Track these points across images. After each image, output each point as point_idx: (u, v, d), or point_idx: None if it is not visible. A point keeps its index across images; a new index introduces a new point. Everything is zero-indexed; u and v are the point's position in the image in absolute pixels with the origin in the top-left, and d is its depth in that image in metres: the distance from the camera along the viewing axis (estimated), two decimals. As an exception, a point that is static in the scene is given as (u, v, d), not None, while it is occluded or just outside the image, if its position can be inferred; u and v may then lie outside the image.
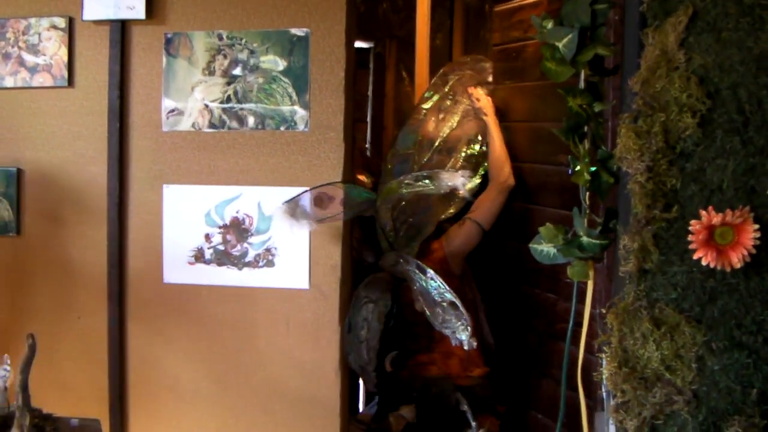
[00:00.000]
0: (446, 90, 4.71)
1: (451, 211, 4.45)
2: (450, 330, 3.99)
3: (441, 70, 4.91)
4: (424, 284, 4.07)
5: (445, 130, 4.63)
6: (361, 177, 4.85)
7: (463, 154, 4.57)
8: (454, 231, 4.53)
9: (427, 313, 4.03)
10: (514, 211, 4.37)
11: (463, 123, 4.63)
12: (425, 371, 4.44)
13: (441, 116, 4.67)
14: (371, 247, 4.46)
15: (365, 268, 4.45)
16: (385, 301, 4.19)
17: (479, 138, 4.57)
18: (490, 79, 4.66)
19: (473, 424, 4.22)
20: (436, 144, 4.60)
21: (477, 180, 4.50)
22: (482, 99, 4.50)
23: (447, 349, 4.35)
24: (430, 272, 4.06)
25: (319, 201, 3.82)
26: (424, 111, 4.68)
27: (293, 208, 3.73)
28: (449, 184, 4.07)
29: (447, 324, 3.99)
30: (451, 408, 4.31)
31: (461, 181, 4.02)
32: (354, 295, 4.09)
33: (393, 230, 4.33)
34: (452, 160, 4.57)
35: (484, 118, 4.47)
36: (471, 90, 4.56)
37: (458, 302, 3.97)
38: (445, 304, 4.00)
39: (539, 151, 4.08)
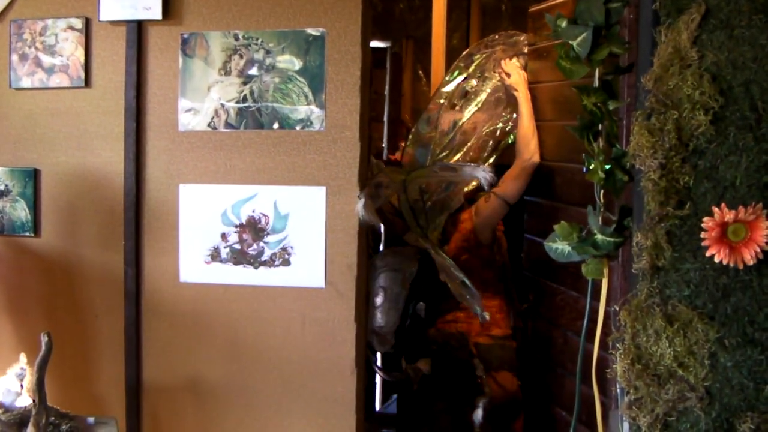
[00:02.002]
0: (471, 70, 4.77)
1: (475, 183, 4.62)
2: (467, 303, 4.16)
3: (466, 51, 4.96)
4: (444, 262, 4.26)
5: (471, 109, 4.71)
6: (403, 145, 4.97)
7: (486, 130, 4.66)
8: (481, 204, 4.69)
9: (449, 283, 4.18)
10: (542, 209, 4.39)
11: (490, 100, 4.70)
12: (449, 328, 4.65)
13: (465, 97, 4.75)
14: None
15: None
16: (410, 269, 4.45)
17: (506, 113, 4.66)
18: (526, 50, 4.69)
19: (486, 390, 4.37)
20: (460, 123, 4.68)
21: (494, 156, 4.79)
22: (514, 73, 4.56)
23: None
24: (442, 254, 4.25)
25: (377, 188, 3.87)
26: (446, 94, 4.75)
27: (372, 194, 3.78)
28: (472, 174, 4.18)
29: (463, 297, 4.16)
30: (463, 362, 4.51)
31: (482, 175, 4.11)
32: (369, 265, 4.18)
33: (422, 205, 4.44)
34: (474, 137, 4.67)
35: (515, 93, 4.52)
36: (504, 63, 4.61)
37: (467, 281, 4.22)
38: (457, 282, 4.14)
39: (567, 150, 4.09)
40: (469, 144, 4.72)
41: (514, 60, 4.65)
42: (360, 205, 3.71)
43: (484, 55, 4.80)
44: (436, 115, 4.76)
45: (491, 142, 4.74)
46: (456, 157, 4.73)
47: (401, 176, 4.35)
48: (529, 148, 4.45)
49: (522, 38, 4.75)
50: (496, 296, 4.71)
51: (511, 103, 4.65)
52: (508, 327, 4.70)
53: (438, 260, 4.29)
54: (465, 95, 4.78)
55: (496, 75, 4.71)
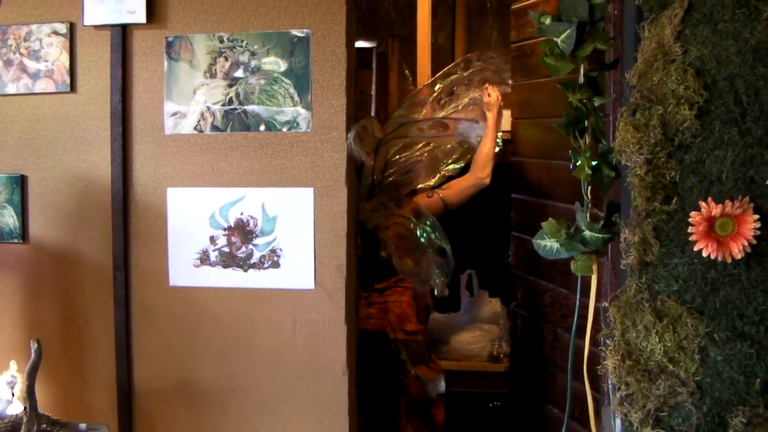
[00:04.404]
0: (465, 74, 4.86)
1: (431, 182, 4.87)
2: (419, 278, 4.25)
3: (468, 55, 5.10)
4: (417, 231, 4.40)
5: (449, 110, 4.82)
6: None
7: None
8: (421, 199, 4.84)
9: (395, 259, 4.26)
10: (530, 206, 4.40)
11: (467, 110, 4.80)
12: (365, 324, 4.78)
13: (450, 96, 4.86)
14: None
15: None
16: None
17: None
18: (509, 81, 4.81)
19: (408, 386, 4.66)
20: (438, 116, 4.79)
21: (461, 164, 4.94)
22: (493, 96, 4.67)
23: (385, 305, 4.65)
24: (430, 218, 4.38)
25: (364, 130, 3.89)
26: (439, 85, 4.88)
27: (360, 134, 3.82)
28: (465, 132, 4.27)
29: (417, 271, 4.25)
30: (385, 358, 4.67)
31: (475, 134, 4.37)
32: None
33: (381, 179, 4.53)
34: (445, 137, 4.78)
35: (488, 113, 4.64)
36: (489, 85, 4.73)
37: (448, 249, 4.42)
38: (431, 249, 4.23)
39: (553, 146, 4.09)
40: (440, 140, 4.84)
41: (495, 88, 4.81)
42: (351, 135, 3.70)
43: (479, 67, 4.91)
44: (422, 101, 4.86)
45: (459, 151, 4.87)
46: (426, 148, 4.85)
47: (380, 134, 4.40)
48: (485, 170, 4.74)
49: (507, 67, 4.91)
50: (405, 292, 4.92)
51: (483, 119, 4.76)
52: (417, 322, 4.85)
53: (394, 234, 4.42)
54: (451, 94, 4.87)
55: (478, 90, 4.83)
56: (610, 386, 2.63)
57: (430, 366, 4.87)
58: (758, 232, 2.13)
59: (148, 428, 3.97)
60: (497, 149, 4.94)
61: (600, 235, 2.63)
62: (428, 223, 4.48)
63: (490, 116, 4.72)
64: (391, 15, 6.74)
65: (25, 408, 3.33)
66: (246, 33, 3.75)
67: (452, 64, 5.07)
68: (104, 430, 3.61)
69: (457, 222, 5.65)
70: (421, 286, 4.60)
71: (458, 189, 4.83)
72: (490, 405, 6.14)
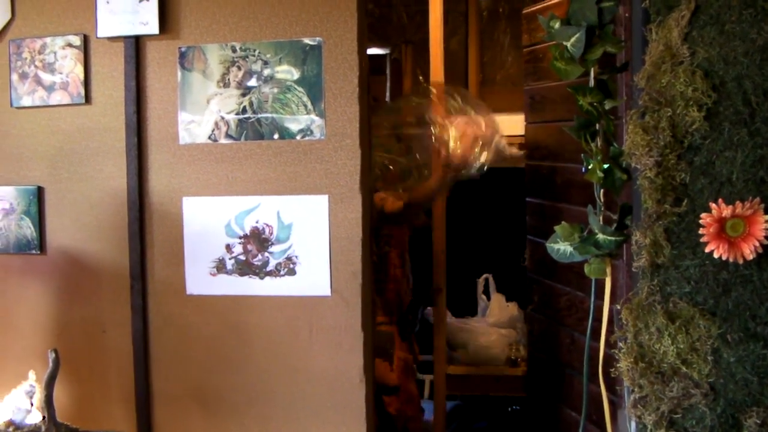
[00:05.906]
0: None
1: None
2: None
3: (450, 88, 5.12)
4: None
5: (408, 128, 4.92)
6: None
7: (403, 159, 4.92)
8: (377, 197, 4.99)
9: None
10: (544, 210, 4.40)
11: (420, 138, 4.91)
12: None
13: (415, 115, 4.95)
14: None
15: None
16: None
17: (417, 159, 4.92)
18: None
19: None
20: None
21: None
22: (448, 130, 4.86)
23: None
24: None
25: None
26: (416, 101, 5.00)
27: None
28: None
29: None
30: None
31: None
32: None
33: None
34: (400, 144, 4.95)
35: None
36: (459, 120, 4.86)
37: None
38: None
39: (567, 150, 4.10)
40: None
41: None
42: None
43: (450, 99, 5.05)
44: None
45: (396, 171, 5.03)
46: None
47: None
48: (395, 204, 4.93)
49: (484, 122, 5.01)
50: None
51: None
52: (382, 315, 4.94)
53: None
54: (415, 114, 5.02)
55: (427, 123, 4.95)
56: (625, 389, 2.63)
57: (391, 357, 5.00)
58: (769, 233, 2.13)
59: (167, 436, 3.99)
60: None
61: (613, 238, 2.63)
62: None
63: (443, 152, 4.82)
64: (404, 21, 6.76)
65: (43, 417, 3.35)
66: (258, 42, 3.77)
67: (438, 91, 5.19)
68: (123, 438, 3.63)
69: (473, 226, 5.68)
70: None
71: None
72: (509, 409, 6.14)
